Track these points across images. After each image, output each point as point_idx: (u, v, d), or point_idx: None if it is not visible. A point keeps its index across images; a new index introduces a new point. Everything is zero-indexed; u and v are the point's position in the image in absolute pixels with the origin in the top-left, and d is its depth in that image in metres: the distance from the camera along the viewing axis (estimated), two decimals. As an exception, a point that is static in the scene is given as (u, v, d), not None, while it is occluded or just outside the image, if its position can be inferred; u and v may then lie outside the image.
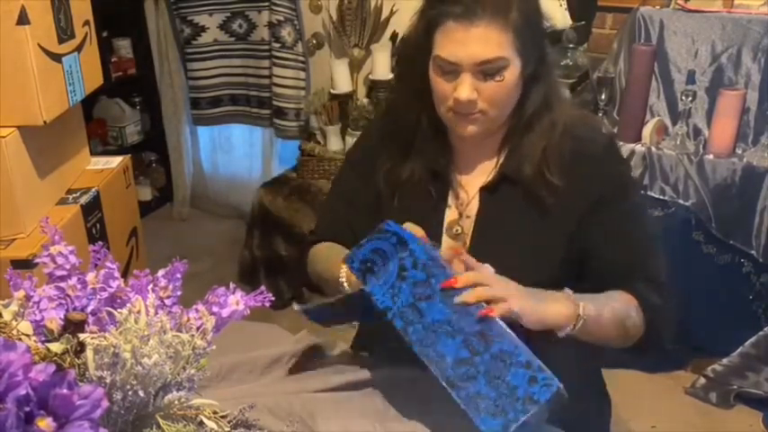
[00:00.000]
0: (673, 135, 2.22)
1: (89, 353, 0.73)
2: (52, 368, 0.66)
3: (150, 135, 3.43)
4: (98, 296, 0.82)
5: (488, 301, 0.96)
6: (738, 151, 2.14)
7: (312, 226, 1.39)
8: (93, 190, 1.86)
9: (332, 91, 2.81)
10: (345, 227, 1.28)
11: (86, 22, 1.82)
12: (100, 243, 0.87)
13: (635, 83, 2.24)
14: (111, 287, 0.82)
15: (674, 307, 1.16)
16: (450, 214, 1.21)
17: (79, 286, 0.82)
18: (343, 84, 2.79)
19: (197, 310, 0.83)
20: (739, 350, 2.15)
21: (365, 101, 2.78)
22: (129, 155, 2.13)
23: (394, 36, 2.70)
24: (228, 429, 0.83)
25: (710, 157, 2.11)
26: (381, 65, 2.69)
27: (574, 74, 2.45)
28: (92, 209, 1.83)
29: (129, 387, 0.73)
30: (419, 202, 1.21)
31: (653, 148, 2.17)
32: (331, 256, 1.21)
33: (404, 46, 1.45)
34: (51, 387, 0.65)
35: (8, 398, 0.62)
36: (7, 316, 0.79)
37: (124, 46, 3.23)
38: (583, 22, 2.50)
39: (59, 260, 0.82)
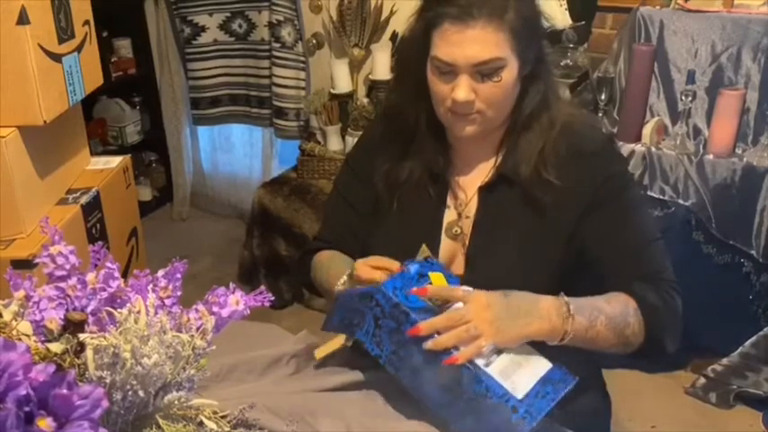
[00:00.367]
0: (673, 135, 2.22)
1: (89, 353, 0.73)
2: (52, 368, 0.66)
3: (150, 135, 3.43)
4: (98, 296, 0.82)
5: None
6: (738, 151, 2.14)
7: (312, 226, 1.40)
8: (93, 190, 1.86)
9: (332, 91, 2.82)
10: (347, 231, 1.29)
11: (86, 22, 1.82)
12: (100, 243, 0.87)
13: (635, 83, 2.23)
14: (111, 287, 0.82)
15: (677, 307, 1.13)
16: (449, 215, 1.21)
17: (79, 286, 0.82)
18: (343, 84, 2.79)
19: (197, 310, 0.83)
20: (739, 350, 2.15)
21: (365, 101, 2.78)
22: (129, 155, 2.13)
23: (394, 36, 2.70)
24: (228, 429, 0.83)
25: (710, 157, 2.11)
26: (381, 65, 2.69)
27: (574, 74, 2.44)
28: (92, 209, 1.83)
29: (128, 387, 0.73)
30: (418, 204, 1.21)
31: (653, 148, 2.17)
32: (331, 268, 1.23)
33: (402, 47, 1.44)
34: (51, 387, 0.65)
35: (8, 398, 0.62)
36: (7, 316, 0.78)
37: (124, 46, 3.22)
38: (583, 22, 2.49)
39: (59, 260, 0.82)
